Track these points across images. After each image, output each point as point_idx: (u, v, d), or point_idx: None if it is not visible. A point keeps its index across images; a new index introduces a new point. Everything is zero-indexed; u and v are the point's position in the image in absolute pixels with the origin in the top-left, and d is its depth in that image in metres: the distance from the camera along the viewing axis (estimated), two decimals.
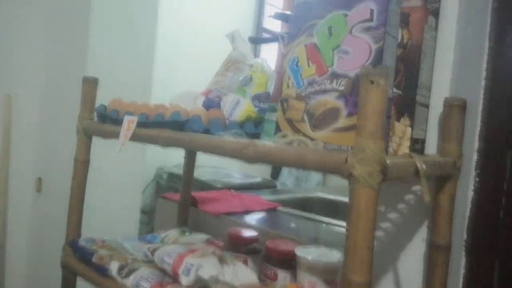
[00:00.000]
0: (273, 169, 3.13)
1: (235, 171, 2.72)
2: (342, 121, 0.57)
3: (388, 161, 0.43)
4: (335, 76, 0.59)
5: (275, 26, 3.44)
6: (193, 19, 2.69)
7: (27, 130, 1.80)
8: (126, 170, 1.70)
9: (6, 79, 1.77)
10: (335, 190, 1.79)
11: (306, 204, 1.46)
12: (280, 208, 1.23)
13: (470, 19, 0.70)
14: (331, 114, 0.59)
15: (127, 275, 0.73)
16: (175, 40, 2.42)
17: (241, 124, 0.79)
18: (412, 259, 0.69)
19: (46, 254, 1.69)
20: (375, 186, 0.41)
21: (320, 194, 1.62)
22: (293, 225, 1.10)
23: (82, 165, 0.87)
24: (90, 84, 0.86)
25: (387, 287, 0.71)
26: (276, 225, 1.09)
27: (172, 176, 2.39)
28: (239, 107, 0.82)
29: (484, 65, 0.74)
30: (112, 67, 1.58)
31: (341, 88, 0.58)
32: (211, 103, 0.85)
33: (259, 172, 2.94)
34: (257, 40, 1.87)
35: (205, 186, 1.92)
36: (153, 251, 0.79)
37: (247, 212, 1.13)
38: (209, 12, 2.79)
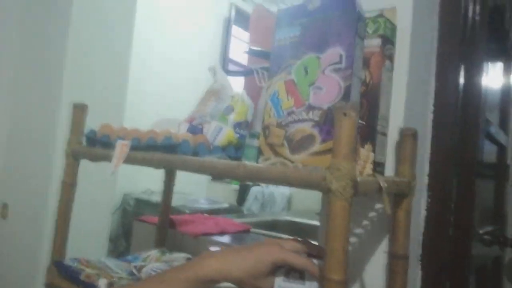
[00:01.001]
0: (239, 195, 3.20)
1: (201, 197, 2.76)
2: (317, 146, 0.67)
3: (358, 179, 0.53)
4: (310, 108, 0.70)
5: (240, 57, 3.60)
6: (164, 48, 2.78)
7: None
8: (96, 194, 1.71)
9: None
10: (299, 213, 1.89)
11: (274, 226, 1.54)
12: (252, 229, 1.30)
13: (419, 62, 0.84)
14: (308, 140, 0.69)
15: None
16: (147, 67, 2.49)
17: (223, 148, 0.87)
18: (376, 269, 0.79)
19: (10, 278, 1.64)
20: (348, 199, 0.51)
21: (287, 217, 1.71)
22: None
23: (69, 188, 0.91)
24: (79, 110, 0.92)
25: None
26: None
27: (139, 202, 2.40)
28: (221, 133, 0.90)
29: (432, 101, 0.88)
30: (87, 93, 1.62)
31: (316, 118, 0.68)
32: (195, 130, 0.93)
33: (225, 198, 3.00)
34: (230, 73, 1.98)
35: (174, 211, 1.96)
36: (139, 269, 0.84)
37: (223, 233, 1.19)
38: (178, 42, 2.90)
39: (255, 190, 3.03)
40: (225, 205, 2.44)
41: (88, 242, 1.66)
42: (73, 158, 0.91)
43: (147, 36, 2.57)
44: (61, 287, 0.85)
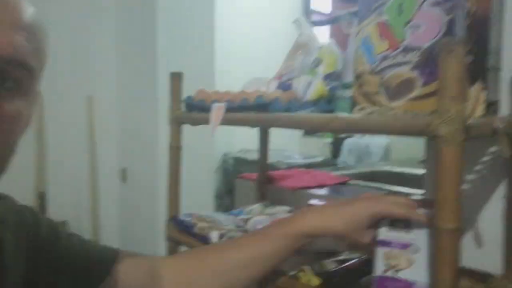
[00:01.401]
0: (333, 148, 3.16)
1: (295, 152, 2.80)
2: (418, 90, 0.63)
3: (468, 122, 0.48)
4: (408, 49, 0.64)
5: (322, 6, 3.43)
6: (246, 7, 2.77)
7: (108, 126, 2.00)
8: (198, 155, 1.84)
9: (86, 82, 1.97)
10: (399, 163, 1.81)
11: (373, 177, 1.50)
12: (350, 181, 1.29)
13: None
14: (407, 85, 0.64)
15: None
16: (231, 29, 2.51)
17: (315, 103, 0.86)
18: (492, 215, 0.73)
19: (137, 233, 1.88)
20: (459, 144, 0.47)
21: (387, 168, 1.66)
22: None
23: (176, 151, 0.99)
24: (177, 79, 0.98)
25: (468, 241, 0.75)
26: (349, 196, 1.16)
27: (238, 161, 2.52)
28: (311, 87, 0.89)
29: None
30: (179, 62, 1.70)
31: (415, 60, 0.63)
32: (284, 86, 0.93)
33: (318, 153, 3.00)
34: (315, 23, 1.91)
35: (270, 167, 2.02)
36: (246, 221, 0.89)
37: (320, 186, 1.20)
38: None
39: (349, 142, 2.96)
40: (320, 159, 2.45)
41: (197, 199, 1.81)
42: (176, 123, 0.98)
43: None
44: (179, 239, 0.95)
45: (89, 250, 0.61)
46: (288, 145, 2.91)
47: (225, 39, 2.33)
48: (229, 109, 0.83)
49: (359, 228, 0.60)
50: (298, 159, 2.42)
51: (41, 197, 1.81)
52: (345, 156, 2.95)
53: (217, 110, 0.84)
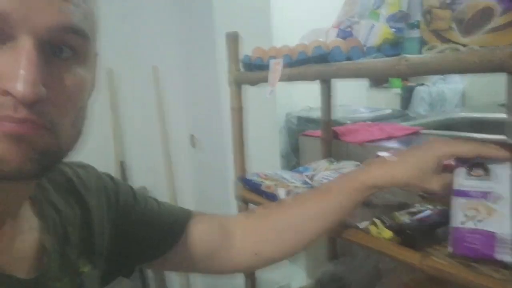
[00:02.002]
0: (403, 99, 2.99)
1: (361, 106, 2.69)
2: (497, 20, 0.55)
3: None
4: None
5: None
6: None
7: (175, 95, 2.07)
8: (261, 116, 1.84)
9: (151, 53, 2.03)
10: (477, 108, 1.66)
11: (449, 125, 1.39)
12: (423, 131, 1.21)
13: None
14: (483, 15, 0.57)
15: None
16: None
17: (379, 48, 0.80)
18: None
19: (210, 196, 1.98)
20: None
21: (463, 114, 1.53)
22: None
23: (238, 112, 0.99)
24: (233, 39, 0.96)
25: None
26: None
27: (301, 119, 2.49)
28: (374, 31, 0.82)
29: None
30: (235, 21, 1.68)
31: None
32: (344, 34, 0.87)
33: (387, 105, 2.86)
34: None
35: (335, 124, 1.97)
36: (311, 177, 0.88)
37: (390, 138, 1.15)
38: None
39: (420, 90, 2.77)
40: (388, 111, 2.32)
41: (264, 159, 1.83)
42: (235, 85, 0.98)
43: None
44: (247, 197, 0.97)
45: (164, 211, 0.64)
46: (354, 100, 2.80)
47: None
48: (287, 64, 0.81)
49: (427, 175, 0.57)
50: (365, 113, 2.32)
51: (122, 166, 1.96)
52: (417, 106, 2.77)
53: (275, 66, 0.82)
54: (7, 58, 0.34)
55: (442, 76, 2.77)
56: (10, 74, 0.34)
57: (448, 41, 0.61)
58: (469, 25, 0.58)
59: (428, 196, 0.69)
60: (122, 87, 1.96)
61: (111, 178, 0.62)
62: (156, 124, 2.04)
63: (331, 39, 0.88)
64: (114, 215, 0.59)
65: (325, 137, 1.17)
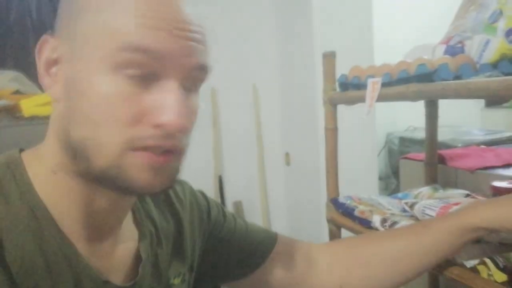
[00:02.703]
0: None
1: (474, 128, 2.43)
2: None
3: None
4: None
5: None
6: None
7: (272, 112, 2.12)
8: (359, 136, 1.78)
9: (251, 72, 2.11)
10: None
11: None
12: None
13: None
14: None
15: (391, 226, 0.78)
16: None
17: (495, 65, 0.71)
18: None
19: (302, 214, 1.95)
20: None
21: None
22: None
23: (332, 133, 0.97)
24: (330, 58, 0.95)
25: None
26: None
27: (403, 140, 2.34)
28: (489, 47, 0.74)
29: None
30: (335, 40, 1.66)
31: None
32: (454, 51, 0.80)
33: (506, 127, 2.53)
34: None
35: (443, 146, 1.81)
36: (411, 205, 0.81)
37: (508, 165, 1.01)
38: None
39: None
40: (507, 134, 2.06)
41: (361, 181, 1.76)
42: (330, 104, 0.96)
43: None
44: (339, 221, 0.93)
45: (251, 232, 0.65)
46: (466, 120, 2.55)
47: (383, 7, 2.15)
48: (386, 84, 0.77)
49: None
50: (478, 135, 2.09)
51: (219, 180, 2.05)
52: None
53: (373, 86, 0.78)
54: (161, 95, 0.39)
55: None
56: (165, 109, 0.39)
57: None
58: None
59: None
60: (223, 105, 2.06)
61: (203, 194, 0.65)
62: (253, 140, 2.11)
63: (437, 57, 0.82)
64: (205, 231, 0.61)
65: (429, 161, 1.08)
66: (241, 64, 2.07)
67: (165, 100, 0.39)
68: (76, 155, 0.40)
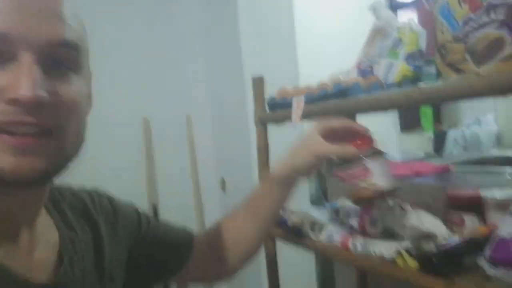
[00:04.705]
0: (435, 143, 2.94)
1: (393, 151, 2.65)
2: (509, 49, 0.57)
3: None
4: (491, 7, 0.59)
5: None
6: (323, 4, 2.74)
7: (205, 140, 2.15)
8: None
9: (185, 103, 2.14)
10: None
11: (482, 163, 1.36)
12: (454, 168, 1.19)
13: None
14: (495, 46, 0.59)
15: (319, 230, 0.84)
16: (311, 28, 2.51)
17: (399, 84, 0.83)
18: None
19: None
20: None
21: (497, 152, 1.49)
22: (473, 179, 1.06)
23: (263, 152, 1.03)
24: (259, 83, 1.02)
25: None
26: (452, 182, 1.07)
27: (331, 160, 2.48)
28: (393, 69, 0.86)
29: None
30: (262, 65, 1.76)
31: (501, 17, 0.58)
32: (364, 73, 0.91)
33: (419, 149, 2.80)
34: (395, 5, 1.84)
35: None
36: (336, 212, 0.89)
37: (418, 175, 1.13)
38: None
39: (453, 134, 2.72)
40: (421, 154, 2.29)
41: (292, 204, 1.83)
42: (261, 124, 1.02)
43: None
44: (274, 233, 0.98)
45: (169, 232, 0.69)
46: (385, 144, 2.78)
47: (306, 39, 2.32)
48: (308, 102, 0.85)
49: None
50: (396, 157, 2.29)
51: (154, 208, 2.01)
52: (450, 150, 2.71)
53: (297, 104, 0.86)
54: (11, 73, 0.39)
55: (475, 119, 2.72)
56: (14, 84, 0.38)
57: (462, 72, 0.63)
58: (482, 55, 0.61)
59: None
60: (155, 135, 2.05)
61: (127, 202, 0.67)
62: (188, 169, 2.11)
63: (351, 77, 0.92)
64: (132, 237, 0.62)
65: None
66: (173, 95, 2.10)
67: (18, 76, 0.38)
68: None
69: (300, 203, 1.95)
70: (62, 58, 0.42)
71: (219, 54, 2.05)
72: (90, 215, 0.57)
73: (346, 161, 0.67)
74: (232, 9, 1.90)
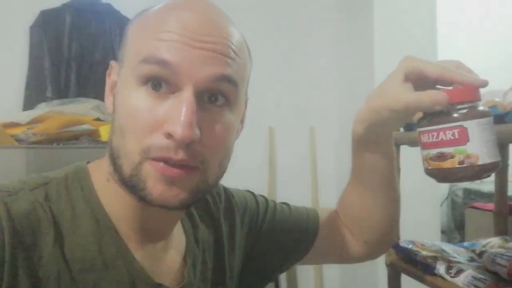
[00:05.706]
0: None
1: None
2: None
3: None
4: None
5: None
6: (468, 19, 2.50)
7: (328, 153, 2.11)
8: (421, 183, 1.70)
9: (309, 114, 2.15)
10: None
11: None
12: None
13: None
14: None
15: (456, 274, 0.74)
16: (455, 43, 2.30)
17: None
18: None
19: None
20: None
21: None
22: None
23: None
24: None
25: None
26: None
27: (468, 192, 2.21)
28: None
29: None
30: None
31: None
32: None
33: None
34: None
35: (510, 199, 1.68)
36: (479, 254, 0.77)
37: None
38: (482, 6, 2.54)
39: None
40: None
41: (420, 233, 1.66)
42: (395, 145, 0.95)
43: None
44: (399, 266, 0.90)
45: (296, 215, 0.67)
46: None
47: (448, 54, 2.12)
48: None
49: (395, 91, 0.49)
50: None
51: None
52: None
53: None
54: (174, 105, 0.40)
55: None
56: (174, 119, 0.39)
57: None
58: None
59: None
60: (280, 143, 2.10)
61: (250, 192, 0.67)
62: (307, 179, 2.10)
63: (509, 101, 0.80)
64: (254, 227, 0.63)
65: (499, 211, 1.01)
66: (300, 107, 2.12)
67: (176, 110, 0.39)
68: (115, 164, 0.43)
69: (429, 232, 1.77)
70: (219, 92, 0.43)
71: (351, 67, 2.01)
72: (211, 211, 0.60)
73: (434, 116, 0.46)
74: (367, 23, 1.84)
